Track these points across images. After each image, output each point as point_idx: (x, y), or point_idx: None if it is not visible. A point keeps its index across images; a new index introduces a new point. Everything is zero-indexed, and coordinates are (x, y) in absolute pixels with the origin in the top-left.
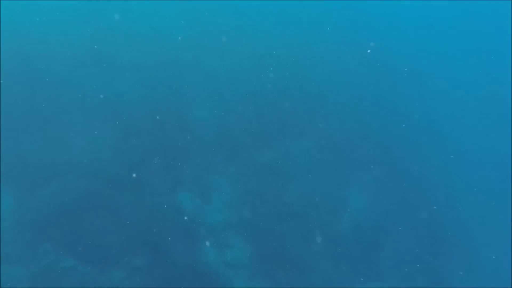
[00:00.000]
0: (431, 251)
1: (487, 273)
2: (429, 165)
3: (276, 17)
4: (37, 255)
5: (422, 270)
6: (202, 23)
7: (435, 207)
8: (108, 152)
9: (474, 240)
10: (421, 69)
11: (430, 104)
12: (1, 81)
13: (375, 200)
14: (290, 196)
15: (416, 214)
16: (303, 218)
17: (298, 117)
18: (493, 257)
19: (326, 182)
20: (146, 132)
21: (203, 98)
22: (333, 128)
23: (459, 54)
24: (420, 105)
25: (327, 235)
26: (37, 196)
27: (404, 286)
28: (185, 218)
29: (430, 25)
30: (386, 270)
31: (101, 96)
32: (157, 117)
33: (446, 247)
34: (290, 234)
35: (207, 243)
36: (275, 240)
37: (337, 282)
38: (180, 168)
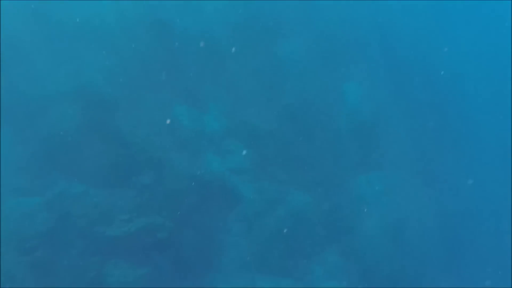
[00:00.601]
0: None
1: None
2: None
3: None
4: (47, 184)
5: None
6: None
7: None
8: (98, 75)
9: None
10: None
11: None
12: None
13: (372, 94)
14: (287, 98)
15: (414, 105)
16: (302, 118)
17: (287, 16)
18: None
19: (322, 79)
20: (133, 52)
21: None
22: (324, 22)
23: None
24: None
25: (326, 132)
26: (36, 128)
27: (403, 174)
28: (185, 130)
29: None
30: (386, 161)
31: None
32: (143, 37)
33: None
34: (290, 134)
35: (210, 153)
36: (276, 142)
37: (339, 175)
38: (174, 82)
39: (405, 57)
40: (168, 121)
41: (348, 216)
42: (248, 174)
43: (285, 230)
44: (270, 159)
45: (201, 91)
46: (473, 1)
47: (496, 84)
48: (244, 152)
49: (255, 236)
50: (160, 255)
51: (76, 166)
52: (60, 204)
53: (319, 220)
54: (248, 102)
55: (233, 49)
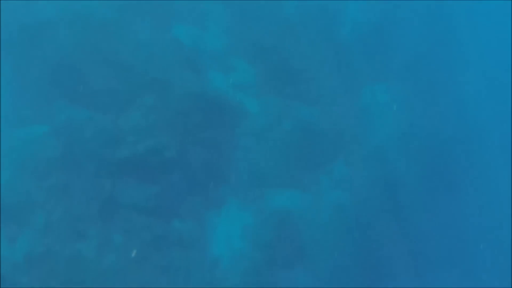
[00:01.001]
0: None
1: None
2: None
3: None
4: (53, 112)
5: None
6: None
7: None
8: None
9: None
10: None
11: None
12: None
13: (376, 3)
14: (287, 11)
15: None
16: (304, 30)
17: None
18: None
19: None
20: None
21: None
22: None
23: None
24: None
25: (329, 44)
26: (36, 56)
27: (409, 85)
28: (186, 49)
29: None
30: (391, 72)
31: None
32: None
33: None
34: (293, 48)
35: (213, 70)
36: (278, 56)
37: (344, 87)
38: (171, 1)
39: None
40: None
41: (354, 127)
42: (252, 89)
43: (291, 143)
44: (274, 74)
45: (199, 9)
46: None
47: None
48: (247, 67)
49: (262, 150)
50: (170, 173)
51: (80, 92)
52: (67, 130)
53: (325, 132)
54: (248, 17)
55: None
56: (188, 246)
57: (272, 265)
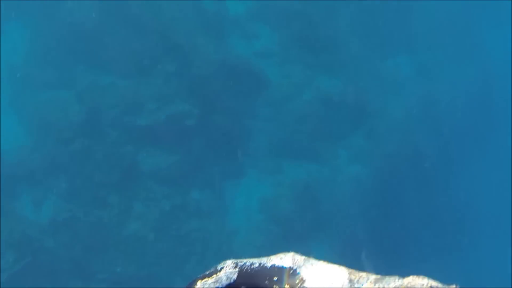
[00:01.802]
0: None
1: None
2: None
3: None
4: (75, 77)
5: None
6: None
7: None
8: None
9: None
10: None
11: None
12: None
13: None
14: None
15: None
16: None
17: None
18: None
19: None
20: None
21: None
22: None
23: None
24: None
25: (354, 11)
26: (54, 21)
27: (433, 57)
28: (208, 15)
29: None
30: (415, 44)
31: None
32: None
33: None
34: (315, 15)
35: (235, 37)
36: (302, 23)
37: (367, 59)
38: None
39: None
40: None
41: (376, 100)
42: (274, 57)
43: (311, 114)
44: (297, 42)
45: None
46: None
47: None
48: (270, 34)
49: (282, 120)
50: (190, 141)
51: (101, 57)
52: (89, 96)
53: (346, 104)
54: None
55: None
56: (206, 217)
57: (288, 238)
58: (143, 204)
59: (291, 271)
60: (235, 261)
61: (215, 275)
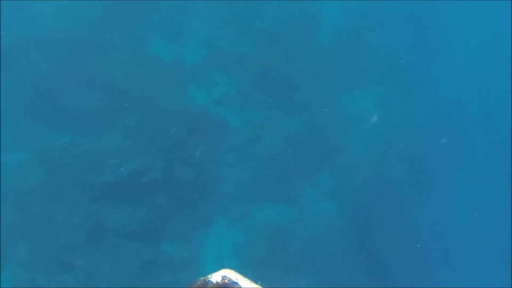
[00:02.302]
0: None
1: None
2: None
3: None
4: (33, 138)
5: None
6: None
7: None
8: (65, 18)
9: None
10: None
11: None
12: None
13: (353, 9)
14: (264, 21)
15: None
16: (280, 40)
17: None
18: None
19: None
20: None
21: None
22: None
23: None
24: None
25: (307, 51)
26: (11, 80)
27: (390, 89)
28: (165, 66)
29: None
30: (371, 77)
31: None
32: None
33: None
34: (271, 59)
35: (193, 86)
36: (258, 68)
37: (325, 96)
38: (147, 17)
39: None
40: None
41: (338, 136)
42: (234, 103)
43: (275, 156)
44: (254, 86)
45: (176, 24)
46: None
47: None
48: (227, 81)
49: (247, 165)
50: (156, 194)
51: (59, 116)
52: (49, 156)
53: (309, 143)
54: (226, 30)
55: None
56: (178, 269)
57: (265, 282)
58: (111, 263)
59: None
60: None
61: None
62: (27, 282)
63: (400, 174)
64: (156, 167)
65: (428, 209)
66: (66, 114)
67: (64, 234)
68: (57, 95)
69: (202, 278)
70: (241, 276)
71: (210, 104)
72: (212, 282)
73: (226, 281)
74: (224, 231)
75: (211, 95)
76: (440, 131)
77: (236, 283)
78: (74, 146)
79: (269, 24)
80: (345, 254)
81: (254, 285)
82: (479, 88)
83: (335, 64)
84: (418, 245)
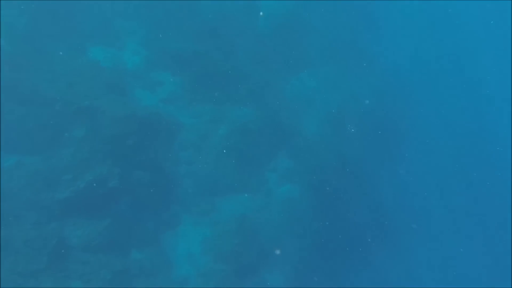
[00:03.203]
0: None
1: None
2: None
3: None
4: None
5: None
6: None
7: None
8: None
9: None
10: None
11: None
12: None
13: None
14: (202, 15)
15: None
16: (221, 32)
17: None
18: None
19: None
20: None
21: None
22: None
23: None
24: None
25: (248, 40)
26: None
27: (334, 67)
28: (106, 72)
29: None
30: (314, 57)
31: None
32: None
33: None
34: (213, 51)
35: (138, 89)
36: (201, 62)
37: (271, 81)
38: (82, 24)
39: None
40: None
41: (289, 118)
42: (182, 100)
43: (231, 147)
44: (200, 81)
45: (112, 27)
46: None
47: None
48: (172, 79)
49: (204, 160)
50: (117, 203)
51: (3, 137)
52: None
53: (262, 129)
54: (164, 27)
55: None
56: (152, 274)
57: (240, 273)
58: (81, 280)
59: None
60: None
61: None
62: None
63: (356, 148)
64: (113, 175)
65: (387, 180)
66: (8, 135)
67: (25, 261)
68: None
69: None
70: None
71: (158, 104)
72: None
73: None
74: (191, 229)
75: (158, 95)
76: (386, 103)
77: None
78: (22, 167)
79: (207, 17)
80: (314, 234)
81: None
82: (415, 56)
83: (277, 49)
84: (414, 226)
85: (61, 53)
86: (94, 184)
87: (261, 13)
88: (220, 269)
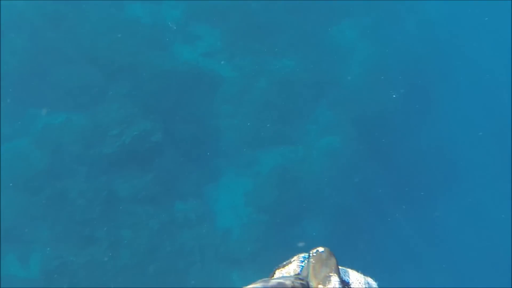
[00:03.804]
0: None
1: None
2: None
3: None
4: (28, 123)
5: None
6: None
7: None
8: None
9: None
10: None
11: None
12: None
13: None
14: None
15: None
16: None
17: None
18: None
19: None
20: None
21: None
22: None
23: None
24: None
25: None
26: None
27: (375, 15)
28: (145, 28)
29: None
30: (356, 4)
31: None
32: None
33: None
34: (251, 3)
35: (178, 43)
36: (239, 14)
37: (311, 31)
38: None
39: None
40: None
41: (329, 70)
42: (221, 54)
43: (271, 99)
44: (240, 33)
45: None
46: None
47: None
48: (211, 33)
49: (245, 112)
50: (161, 156)
51: (50, 95)
52: (48, 138)
53: (302, 81)
54: None
55: None
56: (196, 225)
57: (281, 224)
58: (131, 230)
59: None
60: (300, 255)
61: (287, 266)
62: (56, 259)
63: (398, 100)
64: (156, 130)
65: (430, 131)
66: (56, 94)
67: (80, 210)
68: (44, 75)
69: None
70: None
71: (198, 58)
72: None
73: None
74: (233, 181)
75: (198, 49)
76: (432, 53)
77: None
78: (71, 124)
79: None
80: (355, 186)
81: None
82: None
83: None
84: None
85: (100, 10)
86: (139, 139)
87: None
88: (262, 219)
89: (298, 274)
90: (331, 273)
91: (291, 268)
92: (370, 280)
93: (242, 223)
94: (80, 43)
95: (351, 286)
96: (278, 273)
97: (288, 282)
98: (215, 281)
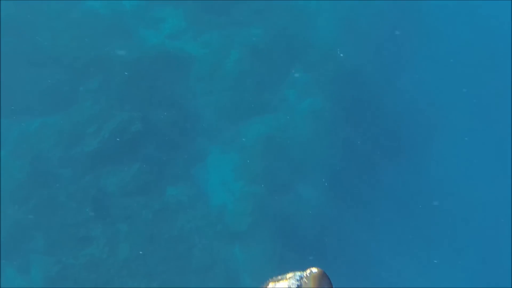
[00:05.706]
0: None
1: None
2: None
3: None
4: (3, 132)
5: None
6: None
7: None
8: None
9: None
10: None
11: None
12: None
13: None
14: None
15: None
16: None
17: None
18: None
19: None
20: None
21: None
22: None
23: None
24: None
25: None
26: None
27: None
28: (106, 18)
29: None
30: None
31: None
32: None
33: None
34: None
35: (141, 29)
36: None
37: (279, 5)
38: None
39: None
40: None
41: (300, 33)
42: (187, 32)
43: (246, 69)
44: (204, 9)
45: None
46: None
47: None
48: (173, 13)
49: (220, 88)
50: (144, 145)
51: (19, 102)
52: (25, 146)
53: (274, 47)
54: None
55: None
56: (190, 207)
57: (274, 193)
58: (126, 223)
59: None
60: (296, 273)
61: (281, 281)
62: (57, 265)
63: (372, 58)
64: (134, 119)
65: (407, 89)
66: (25, 100)
67: (72, 213)
68: (7, 84)
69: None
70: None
71: (165, 41)
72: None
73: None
74: (220, 158)
75: (163, 31)
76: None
77: None
78: (46, 128)
79: None
80: (343, 143)
81: None
82: None
83: None
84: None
85: (57, 8)
86: (118, 131)
87: None
88: (255, 191)
89: None
90: None
91: (285, 285)
92: None
93: (235, 198)
94: (40, 44)
95: None
96: (271, 285)
97: None
98: (218, 258)
